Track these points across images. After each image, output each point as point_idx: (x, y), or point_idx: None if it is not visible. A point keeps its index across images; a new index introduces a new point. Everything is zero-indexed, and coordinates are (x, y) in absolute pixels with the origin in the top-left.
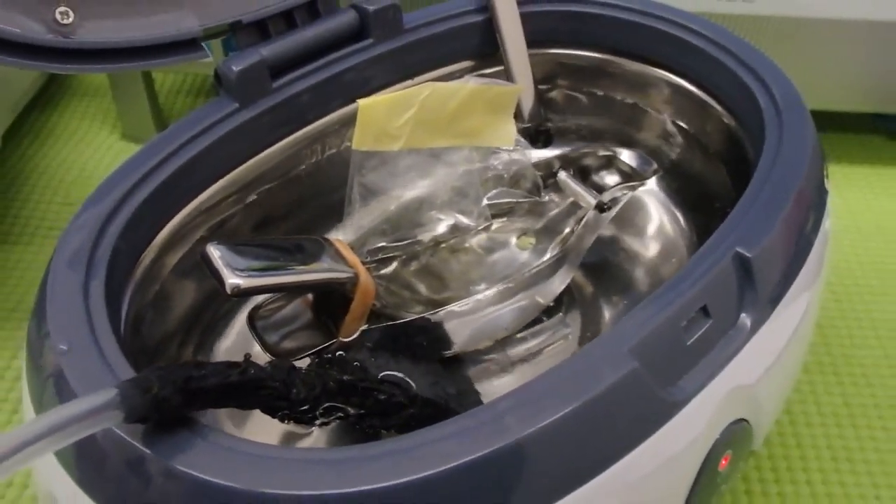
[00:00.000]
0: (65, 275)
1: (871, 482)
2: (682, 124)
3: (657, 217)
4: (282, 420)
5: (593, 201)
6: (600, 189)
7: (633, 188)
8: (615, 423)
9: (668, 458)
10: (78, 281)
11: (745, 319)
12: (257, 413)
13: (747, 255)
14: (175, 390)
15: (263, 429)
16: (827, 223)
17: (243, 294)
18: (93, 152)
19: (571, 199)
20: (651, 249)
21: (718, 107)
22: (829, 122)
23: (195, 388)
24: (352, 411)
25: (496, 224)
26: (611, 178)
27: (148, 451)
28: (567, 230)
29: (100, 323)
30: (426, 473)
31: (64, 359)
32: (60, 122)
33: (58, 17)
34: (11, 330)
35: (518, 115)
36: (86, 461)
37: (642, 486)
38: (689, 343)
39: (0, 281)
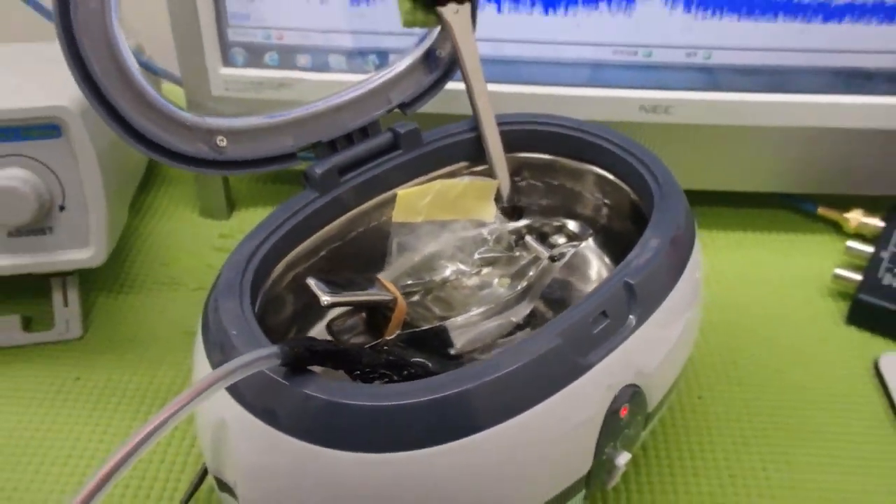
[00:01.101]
0: (228, 290)
1: (760, 459)
2: (606, 201)
3: (595, 264)
4: (353, 379)
5: (547, 255)
6: (553, 247)
7: (576, 246)
8: (547, 374)
9: (582, 399)
10: (236, 293)
11: (632, 320)
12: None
13: (631, 282)
14: (304, 350)
15: None
16: (697, 272)
17: (330, 306)
18: (177, 225)
19: (534, 254)
20: (591, 286)
21: (627, 188)
22: (746, 200)
23: (314, 351)
24: (395, 378)
25: (484, 271)
26: (561, 239)
27: (287, 383)
28: (531, 274)
29: (249, 317)
30: (428, 398)
31: (234, 338)
32: (154, 202)
33: (217, 142)
34: (130, 355)
35: (498, 198)
36: (248, 392)
37: (567, 415)
38: (594, 332)
39: (118, 320)
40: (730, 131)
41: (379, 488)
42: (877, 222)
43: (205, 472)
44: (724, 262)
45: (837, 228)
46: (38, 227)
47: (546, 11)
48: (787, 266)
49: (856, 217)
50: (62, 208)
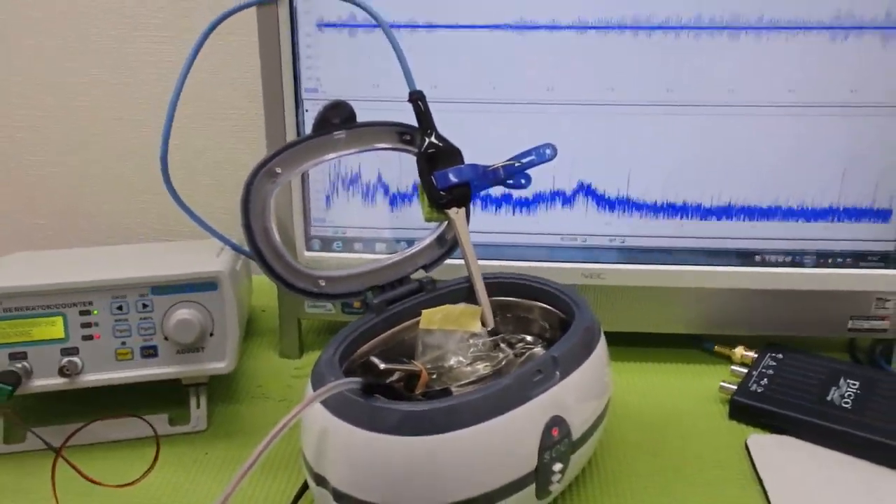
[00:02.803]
0: (325, 361)
1: (665, 499)
2: (548, 323)
3: None
4: None
5: (512, 354)
6: (516, 350)
7: (531, 349)
8: (504, 399)
9: (527, 417)
10: (330, 361)
11: (557, 375)
12: None
13: (556, 355)
14: (374, 383)
15: None
16: (603, 354)
17: (384, 371)
18: (265, 362)
19: (506, 354)
20: None
21: (560, 313)
22: (662, 340)
23: (378, 385)
24: None
25: (476, 363)
26: (520, 345)
27: (363, 400)
28: (503, 364)
29: (338, 371)
30: (436, 406)
31: (330, 381)
32: (248, 349)
33: (319, 282)
34: (240, 439)
35: (484, 324)
36: (339, 406)
37: (518, 424)
38: (534, 380)
39: (230, 419)
40: (645, 290)
41: (416, 457)
42: (753, 354)
43: (304, 488)
44: (644, 382)
45: (728, 358)
46: (196, 346)
47: (518, 213)
48: (690, 384)
49: (740, 351)
50: (211, 334)
